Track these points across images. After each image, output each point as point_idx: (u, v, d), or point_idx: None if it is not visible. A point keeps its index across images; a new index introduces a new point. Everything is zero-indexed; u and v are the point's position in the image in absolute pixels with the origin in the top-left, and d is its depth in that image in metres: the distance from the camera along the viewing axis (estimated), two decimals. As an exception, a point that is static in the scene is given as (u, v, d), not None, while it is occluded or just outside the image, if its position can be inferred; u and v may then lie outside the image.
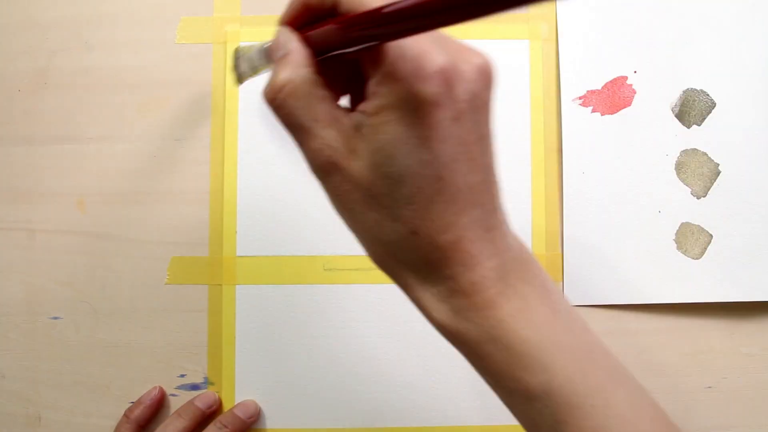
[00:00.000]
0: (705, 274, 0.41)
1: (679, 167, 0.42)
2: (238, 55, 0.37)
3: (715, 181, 0.42)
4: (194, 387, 0.42)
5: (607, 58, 0.42)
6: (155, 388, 0.41)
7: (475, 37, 0.42)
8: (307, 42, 0.24)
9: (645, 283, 0.41)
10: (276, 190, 0.42)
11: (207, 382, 0.42)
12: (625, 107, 0.42)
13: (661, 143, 0.42)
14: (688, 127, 0.42)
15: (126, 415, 0.40)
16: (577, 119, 0.42)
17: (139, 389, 0.41)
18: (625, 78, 0.42)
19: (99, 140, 0.43)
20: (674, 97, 0.42)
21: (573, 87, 0.42)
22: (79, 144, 0.43)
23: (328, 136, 0.23)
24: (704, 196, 0.41)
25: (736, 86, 0.42)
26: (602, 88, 0.42)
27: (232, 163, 0.42)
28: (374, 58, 0.22)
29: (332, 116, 0.23)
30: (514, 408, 0.24)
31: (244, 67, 0.36)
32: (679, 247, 0.41)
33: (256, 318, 0.42)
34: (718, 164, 0.42)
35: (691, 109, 0.42)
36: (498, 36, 0.43)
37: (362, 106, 0.22)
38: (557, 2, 0.43)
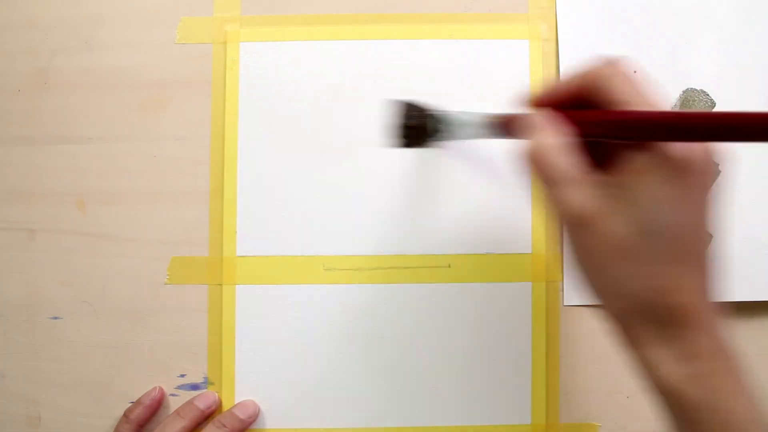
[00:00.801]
0: (705, 274, 0.41)
1: (679, 167, 0.42)
2: (435, 117, 0.36)
3: (714, 180, 0.41)
4: (194, 387, 0.42)
5: (607, 58, 0.42)
6: (155, 388, 0.41)
7: (475, 37, 0.42)
8: (568, 121, 0.27)
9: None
10: (276, 190, 0.42)
11: (207, 382, 0.42)
12: (625, 107, 0.42)
13: (661, 143, 0.42)
14: (688, 127, 0.42)
15: (125, 415, 0.40)
16: (577, 119, 0.42)
17: (139, 389, 0.41)
18: (625, 78, 0.42)
19: (99, 140, 0.43)
20: (674, 97, 0.42)
21: (573, 87, 0.42)
22: (79, 144, 0.43)
23: (585, 190, 0.25)
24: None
25: (736, 86, 0.42)
26: (602, 88, 0.42)
27: (232, 163, 0.42)
28: None
29: (589, 174, 0.25)
30: None
31: (449, 131, 0.35)
32: (679, 247, 0.41)
33: (256, 318, 0.42)
34: (718, 164, 0.41)
35: (691, 109, 0.42)
36: (498, 36, 0.43)
37: (616, 168, 0.25)
38: (557, 2, 0.43)
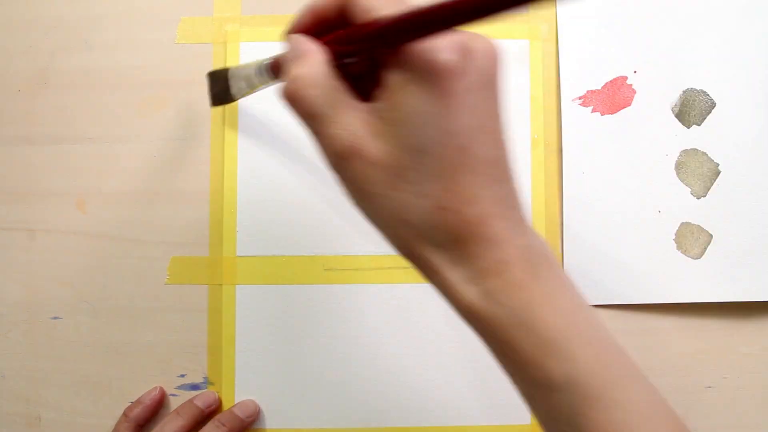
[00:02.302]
0: (705, 274, 0.41)
1: (679, 167, 0.42)
2: (229, 75, 0.37)
3: (715, 181, 0.42)
4: (194, 387, 0.42)
5: (607, 58, 0.42)
6: (155, 388, 0.41)
7: (475, 37, 0.42)
8: (321, 43, 0.24)
9: (645, 283, 0.41)
10: (276, 191, 0.42)
11: (207, 382, 0.42)
12: (625, 107, 0.42)
13: (661, 143, 0.42)
14: (688, 127, 0.42)
15: (125, 414, 0.40)
16: (577, 119, 0.42)
17: (139, 389, 0.41)
18: (625, 78, 0.42)
19: (99, 140, 0.43)
20: (674, 97, 0.42)
21: (573, 87, 0.42)
22: (79, 144, 0.43)
23: (347, 121, 0.23)
24: (704, 196, 0.41)
25: (736, 86, 0.42)
26: (602, 88, 0.42)
27: (232, 163, 0.42)
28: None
29: (350, 104, 0.23)
30: (533, 399, 0.24)
31: (241, 85, 0.37)
32: (678, 247, 0.41)
33: (256, 318, 0.42)
34: (718, 164, 0.42)
35: (691, 109, 0.42)
36: (498, 36, 0.42)
37: (379, 91, 0.23)
38: (557, 2, 0.43)
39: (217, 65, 0.43)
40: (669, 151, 0.42)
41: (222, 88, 0.38)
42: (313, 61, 0.23)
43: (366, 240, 0.41)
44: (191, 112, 0.43)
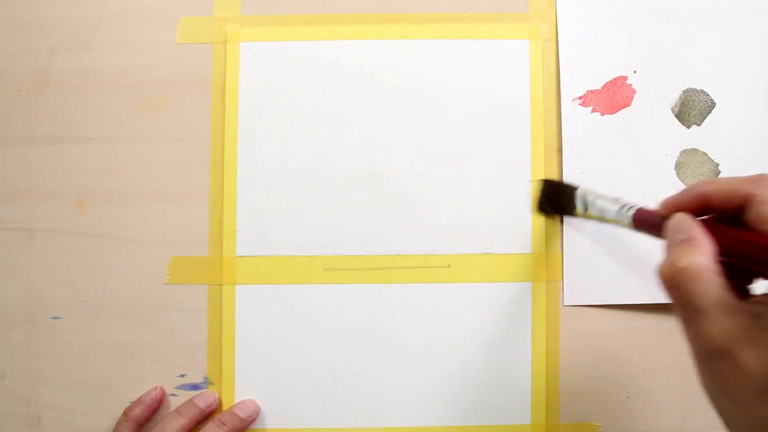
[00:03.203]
0: (705, 274, 0.41)
1: (679, 167, 0.42)
2: (578, 193, 0.38)
3: (715, 181, 0.41)
4: (194, 387, 0.42)
5: (607, 58, 0.42)
6: (156, 387, 0.41)
7: (475, 36, 0.42)
8: (710, 233, 0.24)
9: (645, 283, 0.41)
10: (276, 191, 0.42)
11: (207, 382, 0.42)
12: (625, 107, 0.42)
13: (661, 143, 0.42)
14: (688, 127, 0.42)
15: (125, 414, 0.40)
16: (577, 119, 0.42)
17: (139, 389, 0.41)
18: (625, 78, 0.42)
19: (99, 140, 0.43)
20: (674, 97, 0.42)
21: (573, 87, 0.42)
22: (79, 144, 0.43)
23: (726, 322, 0.23)
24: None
25: (736, 86, 0.42)
26: (602, 88, 0.42)
27: (232, 163, 0.42)
28: None
29: (730, 303, 0.23)
30: None
31: (589, 211, 0.37)
32: (679, 247, 0.41)
33: (256, 318, 0.42)
34: (718, 164, 0.42)
35: (691, 109, 0.42)
36: (498, 36, 0.43)
37: (765, 298, 0.23)
38: (557, 2, 0.43)
39: (217, 65, 0.43)
40: (669, 151, 0.42)
41: (562, 204, 0.39)
42: (703, 253, 0.24)
43: (366, 240, 0.42)
44: (191, 112, 0.43)
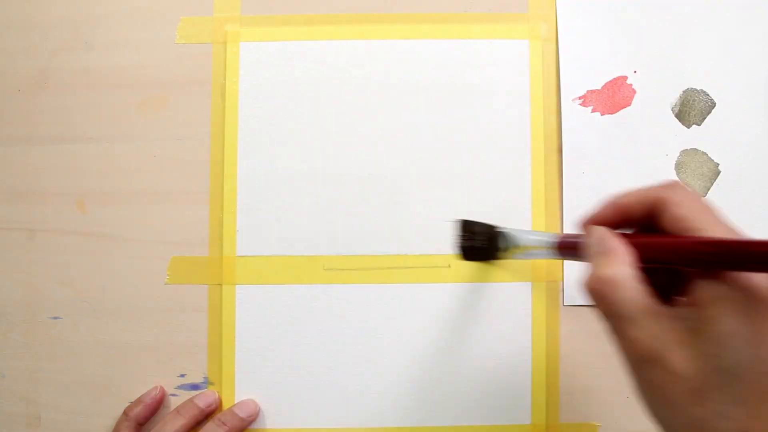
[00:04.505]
0: (705, 274, 0.41)
1: (679, 167, 0.42)
2: (499, 235, 0.38)
3: (715, 181, 0.42)
4: (194, 387, 0.42)
5: (607, 58, 0.42)
6: (156, 387, 0.41)
7: (476, 36, 0.42)
8: (628, 242, 0.25)
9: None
10: (276, 190, 0.42)
11: (207, 382, 0.42)
12: (625, 107, 0.42)
13: (661, 143, 0.42)
14: (688, 127, 0.42)
15: (125, 414, 0.40)
16: (577, 119, 0.42)
17: (139, 389, 0.41)
18: (625, 78, 0.42)
19: (99, 140, 0.43)
20: (674, 97, 0.42)
21: (573, 87, 0.42)
22: (79, 144, 0.43)
23: (651, 326, 0.23)
24: (704, 196, 0.41)
25: (736, 86, 0.42)
26: (602, 88, 0.42)
27: (232, 162, 0.42)
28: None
29: (654, 308, 0.23)
30: None
31: (513, 250, 0.37)
32: (679, 247, 0.41)
33: (256, 318, 0.42)
34: (718, 164, 0.42)
35: (691, 109, 0.42)
36: (498, 36, 0.43)
37: (690, 299, 0.23)
38: (557, 2, 0.43)
39: (217, 65, 0.43)
40: (669, 151, 0.42)
41: (484, 245, 0.38)
42: (623, 263, 0.24)
43: (366, 240, 0.42)
44: (191, 112, 0.43)
